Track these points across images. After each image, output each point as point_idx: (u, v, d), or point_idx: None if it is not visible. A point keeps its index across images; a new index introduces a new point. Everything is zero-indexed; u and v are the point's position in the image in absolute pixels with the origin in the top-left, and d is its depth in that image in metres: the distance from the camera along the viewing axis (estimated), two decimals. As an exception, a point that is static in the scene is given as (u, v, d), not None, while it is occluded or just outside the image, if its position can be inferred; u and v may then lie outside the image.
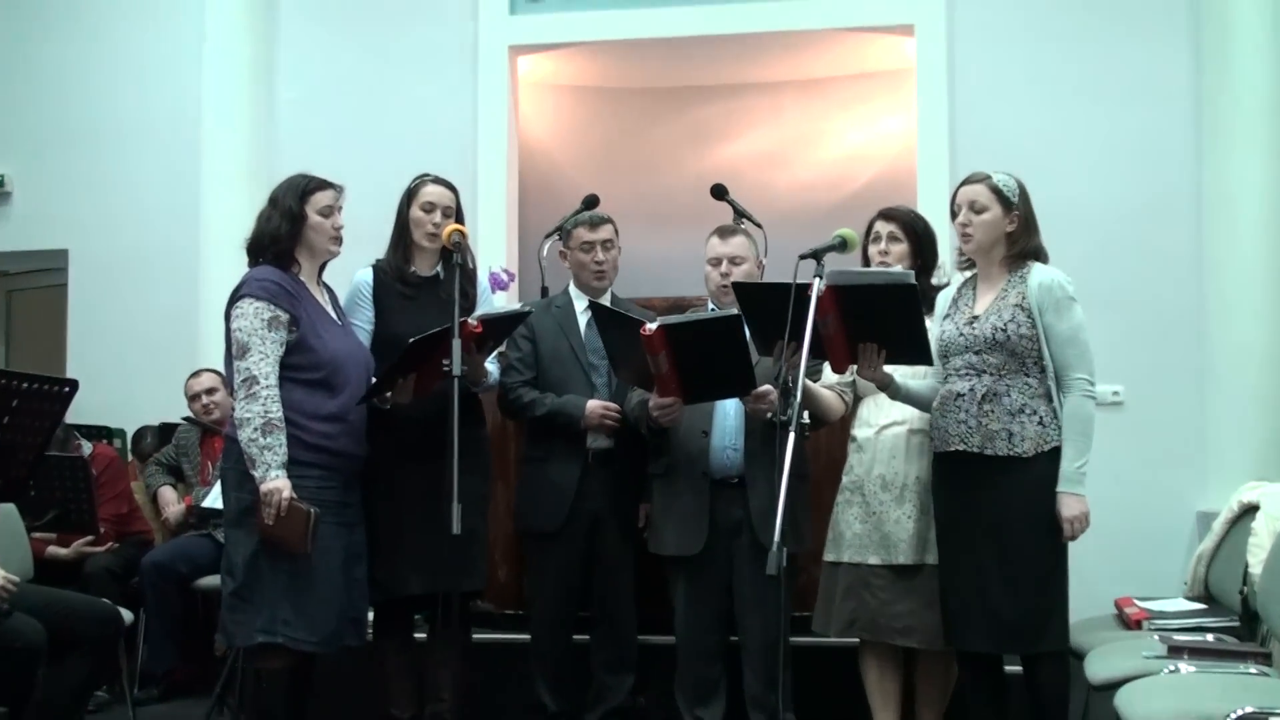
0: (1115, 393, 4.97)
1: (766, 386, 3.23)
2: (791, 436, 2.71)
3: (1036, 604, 3.09)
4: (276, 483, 3.09)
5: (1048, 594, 3.12)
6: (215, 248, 5.34)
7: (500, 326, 3.45)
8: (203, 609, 4.74)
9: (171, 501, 4.90)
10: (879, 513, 3.38)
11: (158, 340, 5.66)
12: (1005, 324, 3.14)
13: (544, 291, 4.30)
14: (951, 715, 3.46)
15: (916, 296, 3.01)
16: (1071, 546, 3.16)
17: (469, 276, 3.52)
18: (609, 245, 3.75)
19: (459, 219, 3.56)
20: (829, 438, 3.86)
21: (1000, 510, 3.11)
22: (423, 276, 3.56)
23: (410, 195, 3.56)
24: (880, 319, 3.04)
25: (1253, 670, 3.01)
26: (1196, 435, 5.02)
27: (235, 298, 3.22)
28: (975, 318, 3.21)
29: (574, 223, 3.78)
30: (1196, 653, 3.17)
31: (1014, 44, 5.35)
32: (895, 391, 3.25)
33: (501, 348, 3.65)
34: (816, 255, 2.99)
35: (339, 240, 3.35)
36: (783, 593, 2.77)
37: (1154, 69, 5.21)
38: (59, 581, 4.18)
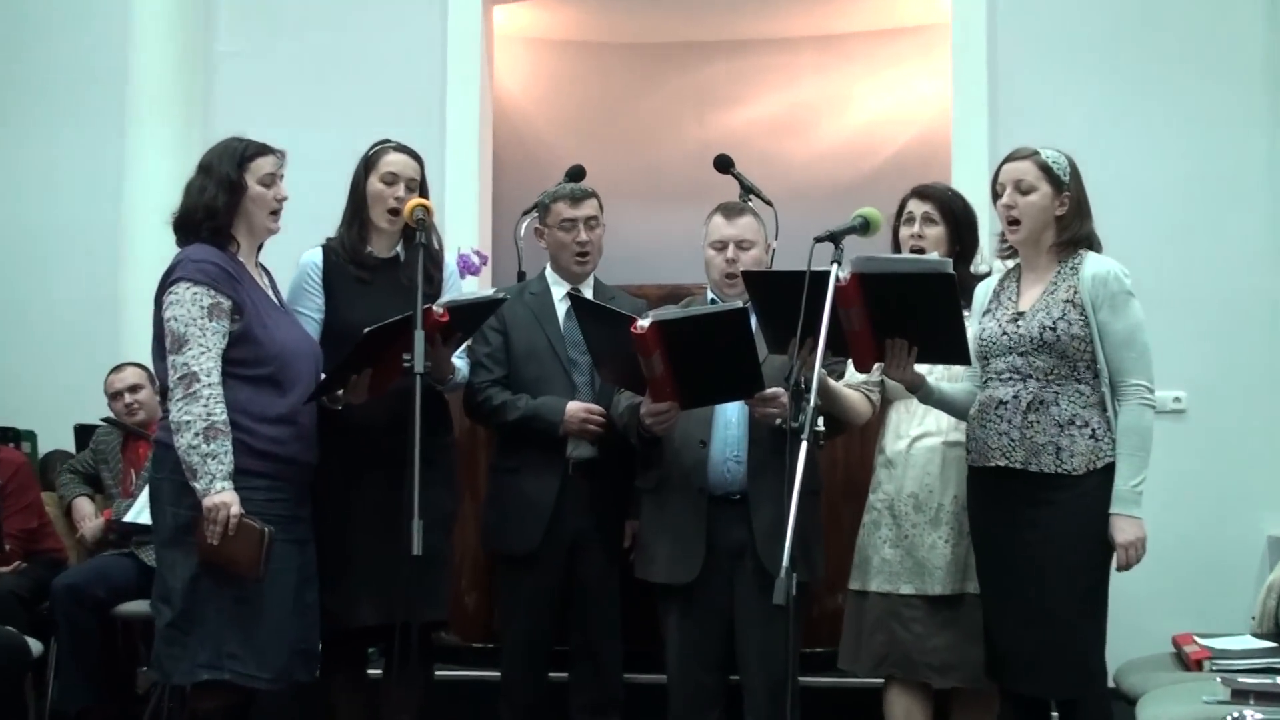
0: (1176, 399, 4.98)
1: (776, 388, 3.22)
2: (804, 445, 2.70)
3: (1076, 641, 3.10)
4: (223, 496, 3.08)
5: (1089, 630, 3.13)
6: (140, 223, 5.31)
7: (470, 315, 3.44)
8: (123, 639, 4.72)
9: (88, 515, 4.88)
10: (911, 536, 3.38)
11: (73, 329, 5.63)
12: (1054, 322, 3.14)
13: (520, 276, 4.30)
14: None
15: (954, 287, 3.01)
16: (1123, 576, 3.17)
17: (433, 258, 3.51)
18: (593, 223, 3.74)
19: (423, 193, 3.55)
20: (847, 448, 3.86)
21: (1045, 534, 3.11)
22: (380, 258, 3.55)
23: (368, 165, 3.55)
24: (912, 312, 3.04)
25: (1329, 719, 3.01)
26: (1268, 448, 5.03)
27: (169, 281, 3.21)
28: (1020, 314, 3.21)
29: (552, 196, 3.77)
30: (1265, 697, 3.15)
31: (1063, -2, 5.36)
32: (927, 394, 3.25)
33: (470, 340, 3.64)
34: (834, 238, 2.98)
35: (278, 215, 3.34)
36: (791, 626, 2.76)
37: (1223, 31, 5.20)
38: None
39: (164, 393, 3.26)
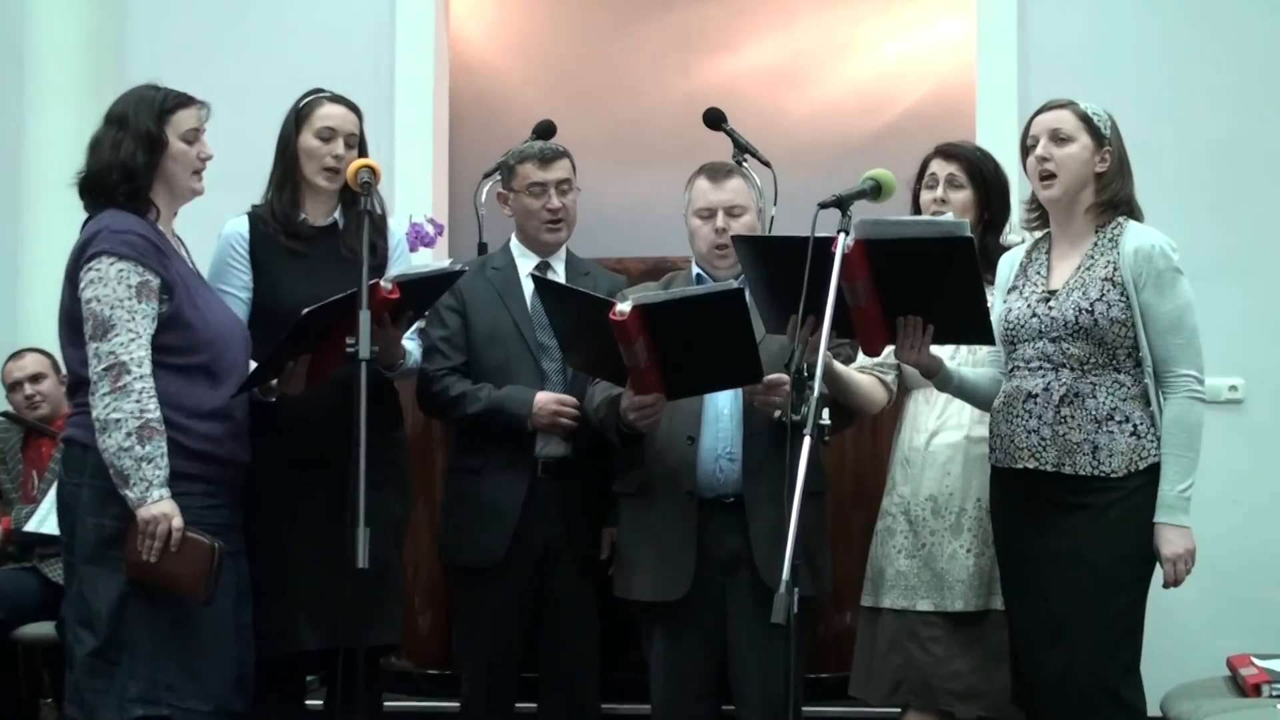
0: (1233, 388, 5.00)
1: (778, 375, 3.22)
2: (807, 441, 2.69)
3: (1110, 667, 3.12)
4: (161, 506, 3.07)
5: (1126, 654, 3.15)
6: (42, 185, 5.27)
7: (422, 291, 3.43)
8: (25, 666, 4.71)
9: (-18, 524, 4.86)
10: (930, 545, 3.40)
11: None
12: (1092, 304, 3.15)
13: (482, 248, 4.29)
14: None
15: (974, 253, 3.01)
16: (1170, 589, 3.19)
17: (376, 225, 3.50)
18: (565, 187, 3.74)
19: (363, 150, 3.55)
20: (857, 445, 3.87)
21: (1078, 543, 3.13)
22: (316, 226, 3.55)
23: (299, 118, 3.54)
24: (926, 284, 3.02)
25: (1404, 750, 3.04)
26: (1338, 443, 5.06)
27: (88, 255, 3.18)
28: (1052, 293, 3.22)
29: (518, 156, 3.77)
30: (1332, 727, 3.19)
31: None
32: (946, 380, 3.25)
33: (422, 321, 3.64)
34: (841, 204, 2.96)
35: (201, 175, 3.32)
36: (792, 648, 2.76)
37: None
38: None
39: (74, 384, 3.23)
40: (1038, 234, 3.36)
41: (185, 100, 3.30)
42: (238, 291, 3.49)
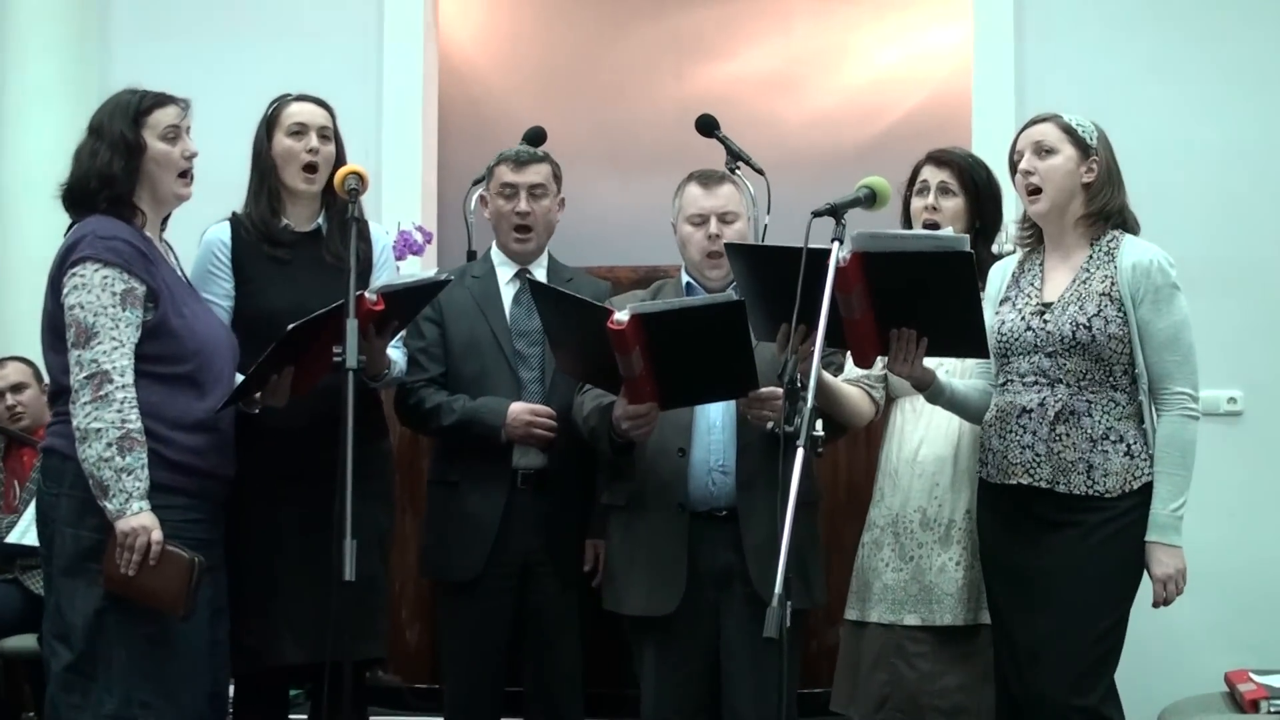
0: (1231, 400, 5.00)
1: (771, 387, 3.21)
2: (800, 452, 2.69)
3: (1094, 687, 3.11)
4: (141, 519, 3.05)
5: (1110, 670, 3.15)
6: (24, 191, 5.27)
7: (408, 301, 3.43)
8: (6, 680, 4.70)
9: (-37, 536, 4.85)
10: (918, 558, 3.39)
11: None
12: (1089, 319, 3.15)
13: (471, 256, 4.29)
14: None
15: (972, 269, 3.00)
16: (1167, 608, 3.19)
17: (361, 232, 3.48)
18: (539, 192, 3.72)
19: (338, 145, 3.55)
20: (850, 456, 3.86)
21: (1067, 562, 3.13)
22: (298, 232, 3.54)
23: (270, 124, 3.55)
24: (922, 298, 3.03)
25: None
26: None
27: (71, 261, 3.17)
28: (1046, 305, 3.21)
29: (497, 158, 3.77)
30: (1331, 744, 3.19)
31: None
32: (938, 393, 3.25)
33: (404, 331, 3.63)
34: (836, 212, 2.96)
35: (189, 175, 3.31)
36: (785, 663, 2.75)
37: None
38: None
39: (55, 392, 3.22)
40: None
41: (162, 100, 3.28)
42: (219, 299, 3.48)
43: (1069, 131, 3.22)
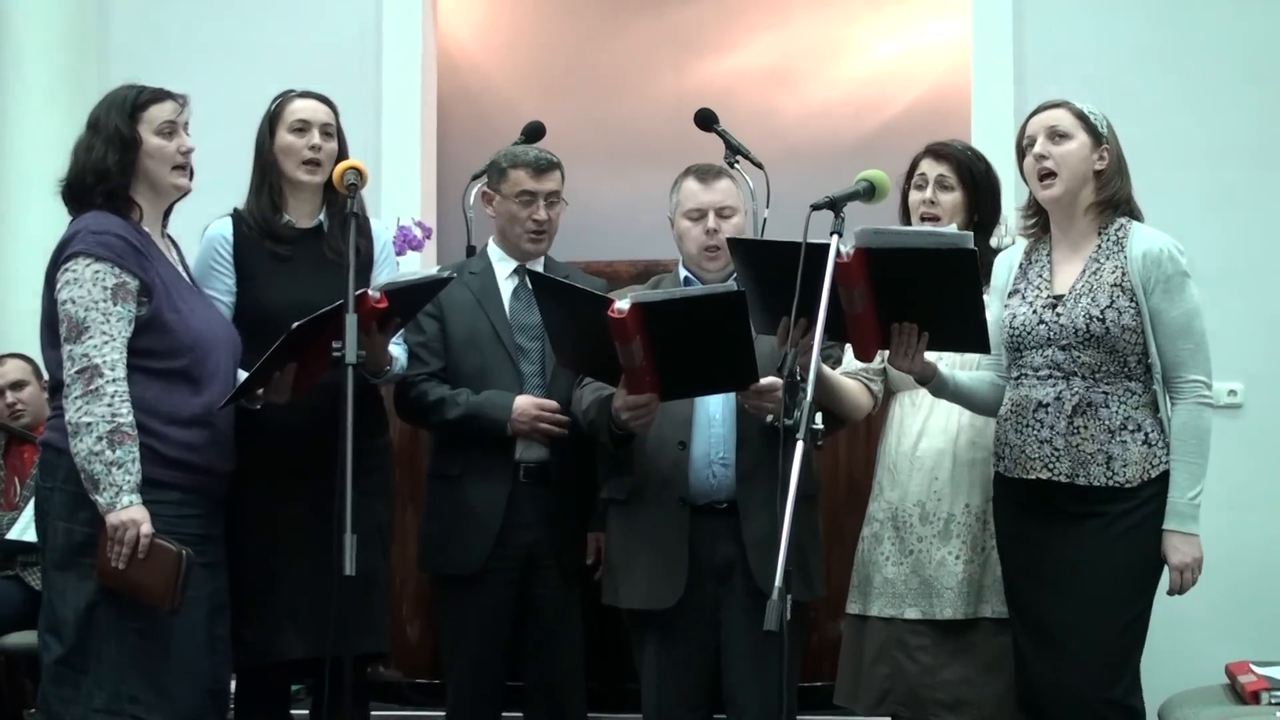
0: (1232, 392, 5.01)
1: (771, 379, 3.22)
2: (800, 445, 2.70)
3: (1118, 679, 3.13)
4: (131, 512, 3.06)
5: (1134, 665, 3.16)
6: (23, 187, 5.27)
7: (410, 298, 3.43)
8: (7, 676, 4.70)
9: (-37, 533, 4.85)
10: (917, 552, 3.39)
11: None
12: (1102, 310, 3.15)
13: (470, 251, 4.29)
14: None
15: (975, 266, 3.01)
16: (1168, 599, 3.20)
17: (361, 228, 3.49)
18: (554, 199, 3.73)
19: (340, 142, 3.56)
20: (850, 448, 3.87)
21: (1091, 553, 3.13)
22: (300, 229, 3.55)
23: (273, 121, 3.55)
24: (925, 294, 3.04)
25: (1405, 758, 3.05)
26: (1338, 448, 5.07)
27: (63, 257, 3.18)
28: (1058, 298, 3.21)
29: (511, 159, 3.75)
30: (1332, 735, 3.20)
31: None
32: (940, 386, 3.25)
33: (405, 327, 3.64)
34: (835, 205, 2.97)
35: (187, 169, 3.31)
36: (786, 656, 2.77)
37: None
38: None
39: (54, 388, 3.23)
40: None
41: (159, 95, 3.29)
42: (221, 295, 3.49)
43: (1082, 118, 3.22)
